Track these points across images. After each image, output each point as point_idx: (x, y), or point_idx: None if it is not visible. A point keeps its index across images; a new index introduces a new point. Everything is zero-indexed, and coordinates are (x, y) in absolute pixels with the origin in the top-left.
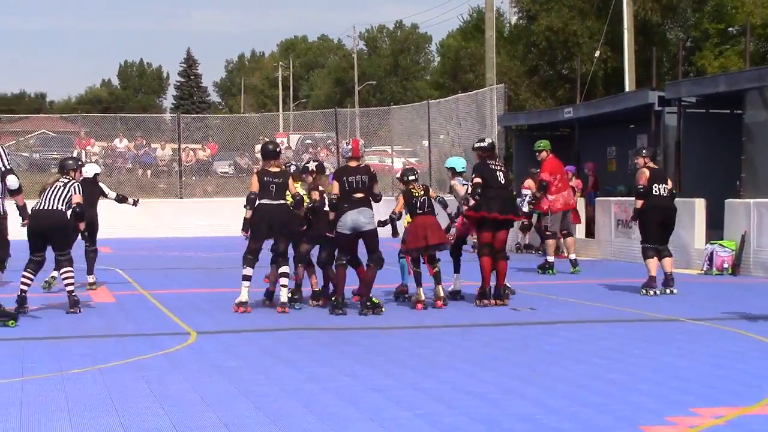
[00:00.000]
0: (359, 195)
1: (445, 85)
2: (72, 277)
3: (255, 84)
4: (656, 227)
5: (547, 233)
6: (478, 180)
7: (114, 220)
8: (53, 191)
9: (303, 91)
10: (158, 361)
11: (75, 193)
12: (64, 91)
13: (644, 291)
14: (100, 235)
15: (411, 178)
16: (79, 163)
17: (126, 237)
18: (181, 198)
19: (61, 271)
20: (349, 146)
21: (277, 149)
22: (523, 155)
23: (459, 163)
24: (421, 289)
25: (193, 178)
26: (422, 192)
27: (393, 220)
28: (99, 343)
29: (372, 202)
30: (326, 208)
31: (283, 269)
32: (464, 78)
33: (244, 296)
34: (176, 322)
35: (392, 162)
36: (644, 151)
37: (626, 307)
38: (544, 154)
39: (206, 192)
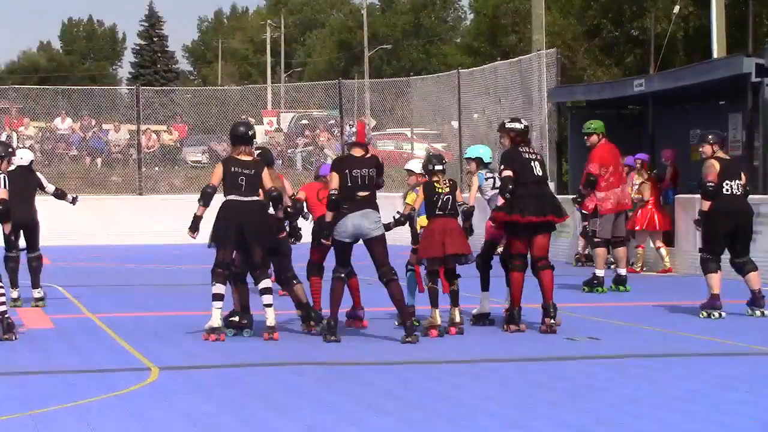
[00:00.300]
0: (364, 193)
1: (479, 50)
2: (3, 295)
3: (236, 49)
4: (721, 235)
5: (596, 240)
6: (508, 172)
7: (53, 222)
8: None
9: (297, 58)
10: (110, 405)
11: (2, 186)
12: None
13: (704, 313)
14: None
15: (437, 167)
16: (9, 150)
17: (69, 244)
18: (140, 194)
19: None
20: (353, 129)
21: (249, 132)
22: (581, 140)
23: (487, 152)
24: (437, 311)
25: (156, 168)
26: (448, 189)
27: (411, 219)
28: (32, 382)
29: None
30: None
31: (265, 284)
32: (505, 41)
33: (215, 320)
34: (133, 355)
35: (412, 148)
36: (711, 137)
37: (715, 337)
38: (594, 138)
39: (173, 187)
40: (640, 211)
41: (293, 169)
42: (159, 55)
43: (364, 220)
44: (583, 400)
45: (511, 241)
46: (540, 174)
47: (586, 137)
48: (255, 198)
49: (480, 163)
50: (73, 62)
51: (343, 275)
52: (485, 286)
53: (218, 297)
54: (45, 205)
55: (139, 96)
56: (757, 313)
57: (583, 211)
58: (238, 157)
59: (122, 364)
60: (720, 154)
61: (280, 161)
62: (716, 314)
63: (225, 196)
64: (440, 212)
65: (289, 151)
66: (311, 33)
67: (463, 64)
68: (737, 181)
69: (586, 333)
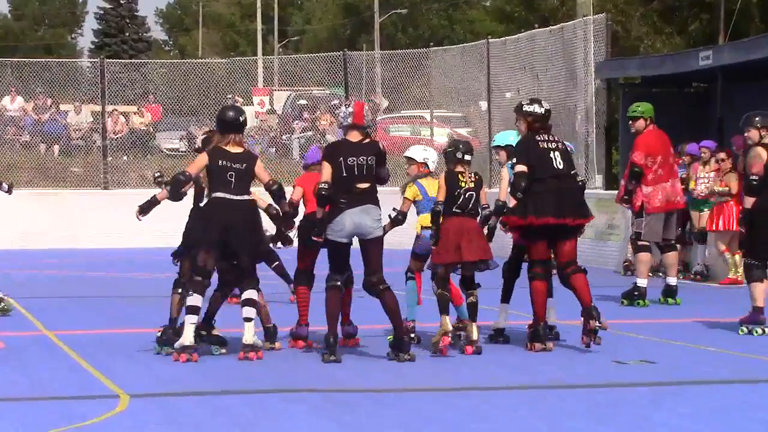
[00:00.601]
0: (363, 185)
1: (513, 15)
2: None
3: (220, 13)
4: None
5: (640, 243)
6: (521, 168)
7: None
8: None
9: (294, 25)
10: None
11: None
12: None
13: (744, 329)
14: None
15: (466, 157)
16: None
17: (19, 248)
18: (105, 188)
19: None
20: (350, 110)
21: (240, 118)
22: None
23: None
24: (448, 318)
25: (125, 157)
26: (473, 185)
27: (437, 215)
28: None
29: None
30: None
31: (250, 294)
32: (544, 5)
33: (188, 338)
34: (98, 379)
35: (432, 134)
36: (758, 119)
37: None
38: (641, 123)
39: (144, 179)
40: (724, 206)
41: (289, 158)
42: (127, 21)
43: (365, 217)
44: None
45: (530, 246)
46: (561, 167)
47: (631, 122)
48: (246, 197)
49: (511, 152)
50: (23, 29)
51: (339, 283)
52: (506, 298)
53: (193, 310)
54: None
55: (104, 70)
56: None
57: (632, 210)
58: (227, 148)
59: (85, 391)
60: None
61: (273, 149)
62: (759, 330)
63: (211, 193)
64: (458, 210)
65: (284, 137)
66: None
67: (493, 33)
68: None
69: (638, 355)
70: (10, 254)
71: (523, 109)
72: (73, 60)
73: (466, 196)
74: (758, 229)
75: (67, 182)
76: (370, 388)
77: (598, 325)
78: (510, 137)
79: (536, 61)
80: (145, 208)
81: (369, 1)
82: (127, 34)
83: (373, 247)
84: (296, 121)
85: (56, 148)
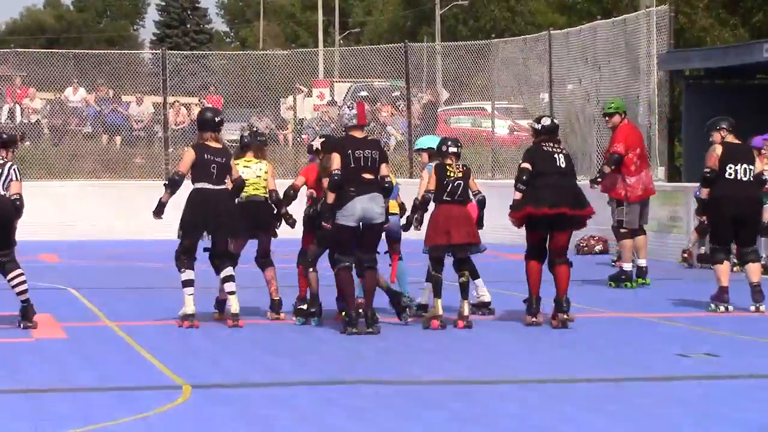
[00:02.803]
0: (369, 176)
1: (575, 6)
2: (24, 282)
3: (281, 5)
4: (725, 222)
5: (623, 231)
6: (525, 165)
7: (63, 213)
8: None
9: (355, 17)
10: (134, 429)
11: (15, 179)
12: None
13: (713, 306)
14: (42, 235)
15: (452, 149)
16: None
17: (82, 239)
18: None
19: (8, 277)
20: (353, 111)
21: (217, 118)
22: (699, 116)
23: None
24: (440, 302)
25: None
26: (461, 175)
27: (425, 203)
28: (43, 401)
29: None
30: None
31: (228, 272)
32: None
33: (189, 307)
34: (159, 370)
35: (493, 126)
36: (723, 123)
37: None
38: (616, 118)
39: None
40: None
41: None
42: (188, 12)
43: (373, 204)
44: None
45: (527, 233)
46: (563, 166)
47: (607, 118)
48: (224, 186)
49: (432, 154)
50: (86, 21)
51: (347, 264)
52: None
53: (189, 283)
54: (51, 194)
55: (166, 62)
56: (751, 308)
57: (616, 199)
58: (209, 143)
59: (147, 381)
60: (730, 138)
61: None
62: (722, 308)
63: (193, 183)
64: (448, 198)
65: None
66: None
67: (555, 24)
68: (745, 166)
69: (699, 348)
70: (74, 245)
71: (531, 126)
72: (135, 52)
73: (455, 184)
74: (715, 217)
75: (128, 173)
76: (441, 380)
77: (566, 317)
78: (431, 141)
79: (598, 52)
80: (157, 211)
81: None
82: (189, 25)
83: (373, 231)
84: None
85: (118, 139)
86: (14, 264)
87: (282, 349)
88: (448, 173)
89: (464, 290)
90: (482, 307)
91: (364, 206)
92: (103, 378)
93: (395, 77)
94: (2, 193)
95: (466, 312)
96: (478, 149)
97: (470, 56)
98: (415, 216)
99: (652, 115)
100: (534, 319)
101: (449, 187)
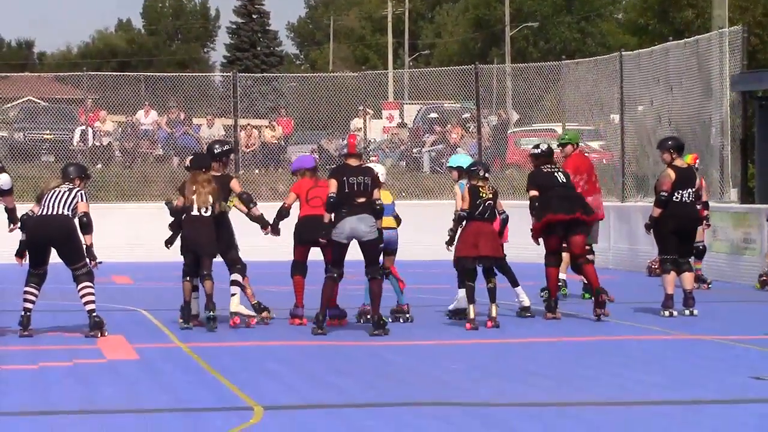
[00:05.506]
0: (361, 199)
1: (647, 28)
2: (92, 294)
3: (351, 27)
4: (670, 235)
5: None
6: (533, 193)
7: (137, 235)
8: (56, 196)
9: (425, 39)
10: None
11: (81, 200)
12: (60, 38)
13: (662, 311)
14: (117, 256)
15: (486, 174)
16: (87, 172)
17: (154, 261)
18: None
19: (78, 287)
20: (345, 142)
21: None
22: None
23: (467, 160)
24: (473, 307)
25: (257, 171)
26: (491, 196)
27: (460, 220)
28: (115, 422)
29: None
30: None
31: (235, 277)
32: (678, 17)
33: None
34: (231, 391)
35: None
36: (670, 142)
37: None
38: (569, 148)
39: (275, 193)
40: None
41: (420, 171)
42: (259, 35)
43: (360, 224)
44: None
45: (545, 240)
46: (564, 181)
47: (560, 147)
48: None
49: (462, 172)
50: (157, 44)
51: (335, 275)
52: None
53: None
54: (128, 215)
55: (236, 84)
56: (686, 312)
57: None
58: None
59: (219, 402)
60: (678, 162)
61: (404, 162)
62: (667, 313)
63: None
64: (479, 216)
65: (414, 150)
66: (441, 8)
67: (626, 45)
68: (689, 190)
69: None
70: (145, 267)
71: (531, 152)
72: (206, 74)
73: (486, 205)
74: (662, 231)
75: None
76: (511, 402)
77: (607, 298)
78: (461, 159)
79: (670, 74)
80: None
81: (500, 14)
82: (259, 48)
83: (369, 247)
84: (427, 135)
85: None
86: (85, 277)
87: (351, 370)
88: (481, 194)
89: (492, 295)
90: (524, 312)
91: (352, 225)
92: (175, 400)
93: (465, 99)
94: (66, 213)
95: (494, 313)
96: None
97: (540, 78)
98: (450, 229)
99: (724, 136)
100: (553, 316)
101: (480, 207)
